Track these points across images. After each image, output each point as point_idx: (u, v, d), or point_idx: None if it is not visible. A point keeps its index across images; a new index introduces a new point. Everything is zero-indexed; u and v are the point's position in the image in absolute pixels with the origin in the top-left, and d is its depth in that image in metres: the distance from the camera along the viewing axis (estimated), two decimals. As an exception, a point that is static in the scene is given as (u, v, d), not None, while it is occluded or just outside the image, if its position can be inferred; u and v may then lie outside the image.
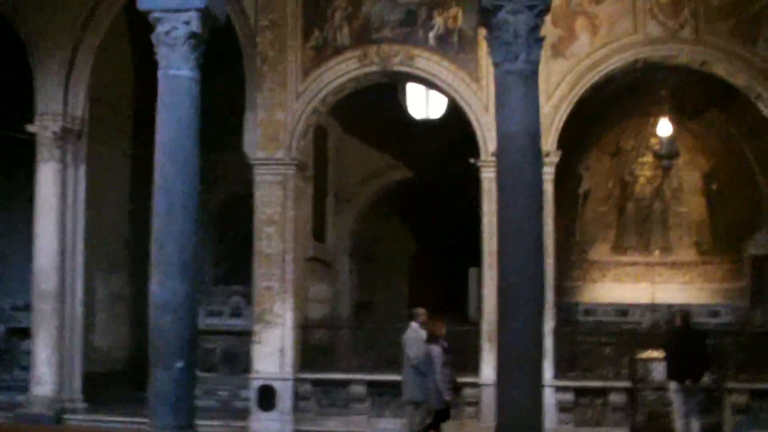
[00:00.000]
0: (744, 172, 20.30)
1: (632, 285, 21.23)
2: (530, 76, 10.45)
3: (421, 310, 14.65)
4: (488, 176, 16.14)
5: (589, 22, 16.21)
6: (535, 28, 10.44)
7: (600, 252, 21.69)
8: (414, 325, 14.31)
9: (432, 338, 13.99)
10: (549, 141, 15.89)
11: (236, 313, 20.25)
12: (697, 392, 14.29)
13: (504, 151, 10.42)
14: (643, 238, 21.61)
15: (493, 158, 15.70)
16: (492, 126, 15.72)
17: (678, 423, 14.29)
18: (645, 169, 21.50)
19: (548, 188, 15.71)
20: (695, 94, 19.14)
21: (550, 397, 15.26)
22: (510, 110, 10.35)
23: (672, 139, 18.91)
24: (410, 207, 22.37)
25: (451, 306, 16.52)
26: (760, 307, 19.70)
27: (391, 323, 18.89)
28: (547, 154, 15.58)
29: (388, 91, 19.31)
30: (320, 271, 19.76)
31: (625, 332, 18.18)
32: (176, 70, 11.10)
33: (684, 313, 15.00)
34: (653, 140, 20.51)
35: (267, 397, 16.46)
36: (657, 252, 21.44)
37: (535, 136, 10.42)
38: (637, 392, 15.89)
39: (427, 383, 13.72)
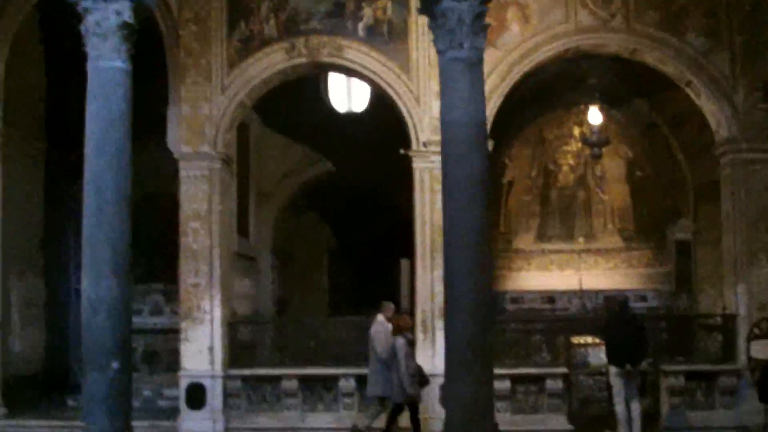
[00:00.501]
0: (667, 160, 20.63)
1: (558, 272, 21.49)
2: (476, 64, 10.40)
3: (388, 304, 14.59)
4: (421, 166, 16.07)
5: (520, 12, 16.13)
6: (480, 15, 10.40)
7: (525, 241, 21.85)
8: (380, 318, 14.16)
9: (397, 331, 13.84)
10: (482, 131, 15.80)
11: (157, 312, 19.80)
12: (636, 376, 14.38)
13: (449, 140, 10.32)
14: (567, 226, 21.89)
15: (425, 148, 15.84)
16: (423, 116, 15.99)
17: (619, 407, 14.35)
18: (568, 158, 21.73)
19: (482, 178, 15.65)
20: (619, 85, 19.30)
21: (485, 386, 15.18)
22: (456, 98, 10.27)
23: (602, 127, 19.10)
24: (333, 201, 22.21)
25: (380, 298, 16.33)
26: (684, 291, 20.01)
27: (315, 317, 18.77)
28: (481, 144, 15.50)
29: (309, 84, 19.07)
30: (244, 266, 19.46)
31: (554, 319, 18.30)
32: (108, 62, 10.78)
33: (621, 299, 15.14)
34: (578, 129, 20.71)
35: (196, 396, 16.08)
36: (581, 239, 21.70)
37: (481, 125, 10.38)
38: (573, 378, 15.94)
39: (393, 377, 13.58)
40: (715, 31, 16.05)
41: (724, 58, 15.97)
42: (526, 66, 16.14)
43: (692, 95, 16.29)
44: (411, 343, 13.96)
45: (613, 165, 21.44)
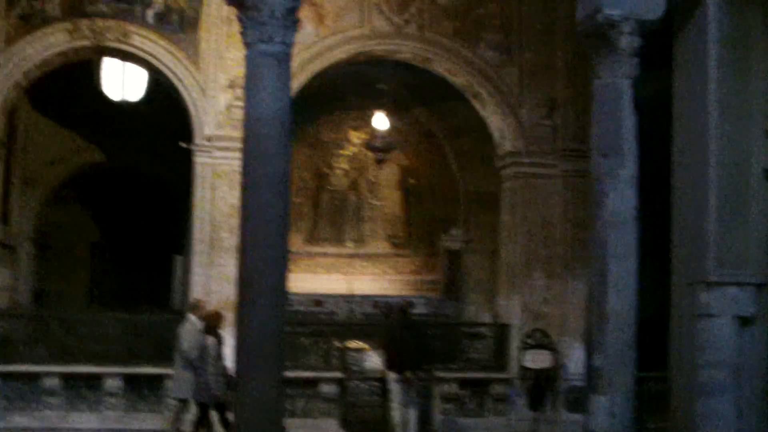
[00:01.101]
0: (443, 170, 21.05)
1: (326, 276, 21.44)
2: (284, 59, 10.21)
3: (200, 302, 14.17)
4: (202, 161, 15.75)
5: (315, 12, 15.98)
6: (293, 9, 10.17)
7: (293, 243, 21.57)
8: (192, 317, 13.67)
9: (209, 330, 13.38)
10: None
11: None
12: (415, 383, 14.51)
13: (253, 136, 10.14)
14: (337, 230, 21.92)
15: (209, 143, 15.56)
16: (209, 110, 15.66)
17: (396, 413, 14.45)
18: (343, 162, 21.79)
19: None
20: (403, 92, 19.50)
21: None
22: (263, 93, 10.08)
23: (387, 133, 19.27)
24: (101, 192, 21.51)
25: (151, 295, 15.90)
26: (452, 299, 20.45)
27: (79, 313, 18.09)
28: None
29: (84, 69, 18.30)
30: (2, 256, 18.59)
31: (325, 323, 18.26)
32: None
33: (403, 305, 15.27)
34: (355, 134, 20.82)
35: (-52, 394, 15.17)
36: (351, 244, 21.80)
37: (286, 121, 10.22)
38: (347, 382, 15.95)
39: (199, 379, 13.13)
40: (506, 47, 16.46)
41: (513, 73, 16.43)
42: (318, 66, 16.08)
43: (478, 107, 16.68)
44: (221, 343, 13.53)
45: (387, 172, 21.62)
